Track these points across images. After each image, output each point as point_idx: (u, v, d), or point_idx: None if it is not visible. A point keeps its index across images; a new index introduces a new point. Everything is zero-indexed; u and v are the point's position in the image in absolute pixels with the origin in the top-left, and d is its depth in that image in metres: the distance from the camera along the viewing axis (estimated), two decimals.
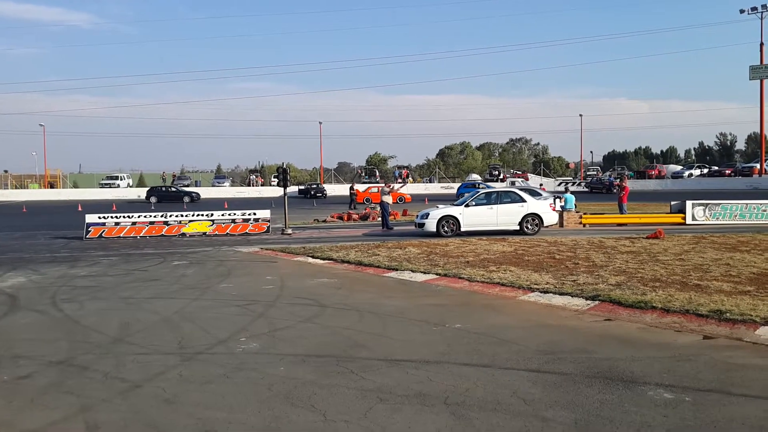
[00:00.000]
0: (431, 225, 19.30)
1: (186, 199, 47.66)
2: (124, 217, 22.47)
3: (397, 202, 36.12)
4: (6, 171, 71.36)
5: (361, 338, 7.85)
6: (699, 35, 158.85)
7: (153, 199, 49.26)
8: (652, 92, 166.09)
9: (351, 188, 36.85)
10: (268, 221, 22.64)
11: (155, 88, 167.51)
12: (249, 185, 68.16)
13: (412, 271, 12.91)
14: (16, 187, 66.31)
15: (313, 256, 15.59)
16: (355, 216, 28.47)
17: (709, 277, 11.12)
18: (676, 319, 8.41)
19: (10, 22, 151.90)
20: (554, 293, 10.25)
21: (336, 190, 63.07)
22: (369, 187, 47.71)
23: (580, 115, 76.07)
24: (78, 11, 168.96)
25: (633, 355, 6.86)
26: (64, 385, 6.24)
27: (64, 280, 12.68)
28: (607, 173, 72.85)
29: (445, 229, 19.21)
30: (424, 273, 12.61)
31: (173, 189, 53.12)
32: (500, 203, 19.76)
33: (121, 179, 67.07)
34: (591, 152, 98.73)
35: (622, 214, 24.30)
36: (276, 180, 38.84)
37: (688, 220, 22.22)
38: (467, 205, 19.56)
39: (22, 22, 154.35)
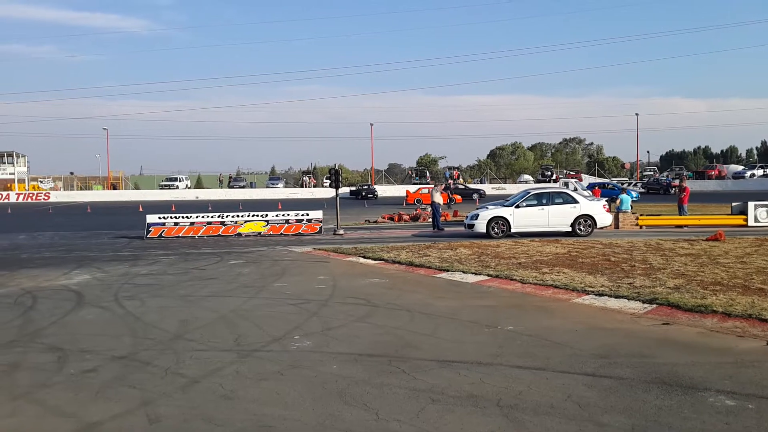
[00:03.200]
0: (481, 226, 19.16)
1: (474, 196, 47.59)
2: (183, 217, 23.13)
3: (447, 203, 35.99)
4: (72, 173, 74.61)
5: (413, 338, 7.88)
6: (759, 31, 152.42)
7: None
8: (709, 90, 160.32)
9: (446, 187, 37.57)
10: (321, 222, 22.92)
11: (209, 92, 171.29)
12: (302, 186, 69.03)
13: (463, 272, 12.86)
14: (81, 189, 69.07)
15: (364, 257, 15.71)
16: (405, 217, 28.52)
17: None
18: (738, 323, 8.13)
19: (70, 29, 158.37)
20: (610, 296, 10.05)
21: (387, 191, 63.22)
22: (419, 189, 47.69)
23: (636, 114, 73.96)
24: (134, 18, 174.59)
25: (693, 361, 6.67)
26: (126, 379, 6.49)
27: (126, 278, 13.16)
28: (665, 173, 70.71)
29: (495, 230, 19.03)
30: (476, 274, 12.55)
31: (461, 186, 53.46)
32: (552, 204, 19.41)
33: (179, 181, 68.87)
34: (648, 152, 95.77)
35: (682, 215, 23.58)
36: (328, 181, 39.11)
37: (750, 222, 21.38)
38: (518, 206, 19.31)
39: (82, 29, 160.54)
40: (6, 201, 58.76)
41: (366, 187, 59.43)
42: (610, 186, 47.36)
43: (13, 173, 64.74)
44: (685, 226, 21.76)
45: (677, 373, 6.25)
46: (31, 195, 61.70)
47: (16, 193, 61.46)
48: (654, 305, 9.31)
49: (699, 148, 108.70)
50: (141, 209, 36.25)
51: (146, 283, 12.56)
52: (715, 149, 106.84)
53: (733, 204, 23.58)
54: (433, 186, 25.84)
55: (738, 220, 21.70)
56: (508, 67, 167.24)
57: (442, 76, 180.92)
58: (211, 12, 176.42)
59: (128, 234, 23.62)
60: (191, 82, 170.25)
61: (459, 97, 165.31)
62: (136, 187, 72.69)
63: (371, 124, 76.65)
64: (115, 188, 69.49)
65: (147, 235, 22.08)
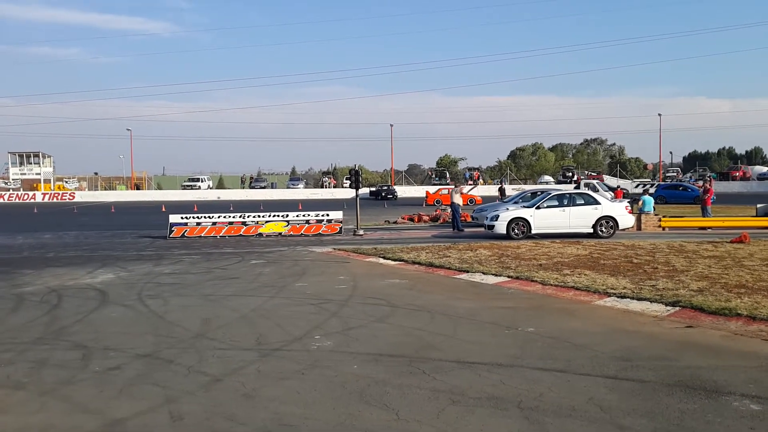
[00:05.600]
0: (501, 227, 19.05)
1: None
2: (205, 217, 23.36)
3: (467, 204, 35.90)
4: (96, 173, 75.65)
5: (433, 339, 7.89)
6: None
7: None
8: (734, 90, 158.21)
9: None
10: (341, 222, 22.98)
11: (231, 93, 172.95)
12: (322, 187, 69.29)
13: (483, 273, 12.83)
14: (105, 189, 70.06)
15: (384, 257, 15.73)
16: (425, 217, 28.50)
17: None
18: (763, 327, 8.02)
19: (95, 32, 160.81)
20: (632, 298, 9.96)
21: (406, 191, 63.23)
22: (439, 189, 47.65)
23: (659, 115, 73.19)
24: (157, 20, 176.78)
25: (716, 364, 6.60)
26: (150, 377, 6.58)
27: (149, 277, 13.32)
28: (688, 174, 69.81)
29: (516, 231, 18.92)
30: (496, 275, 12.51)
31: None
32: (573, 205, 19.28)
33: (201, 181, 69.55)
34: (671, 153, 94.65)
35: (705, 217, 23.29)
36: (348, 182, 39.24)
37: None
38: (538, 207, 19.19)
39: (106, 31, 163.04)
40: (32, 201, 59.84)
41: (386, 187, 59.51)
42: (682, 188, 42.25)
43: (39, 173, 65.83)
44: (709, 228, 21.49)
45: (701, 377, 6.18)
46: (56, 195, 62.71)
47: (42, 193, 62.56)
48: (677, 308, 9.21)
49: (723, 148, 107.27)
50: (164, 209, 36.64)
51: (169, 282, 12.70)
52: (740, 150, 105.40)
53: (758, 206, 23.24)
54: (453, 187, 25.81)
55: (763, 222, 21.38)
56: (529, 68, 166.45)
57: (462, 77, 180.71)
58: (232, 14, 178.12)
59: (151, 234, 23.89)
60: (213, 83, 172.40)
61: (479, 98, 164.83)
62: (159, 188, 73.49)
63: (391, 125, 76.88)
64: (138, 188, 70.36)
65: (170, 234, 22.30)
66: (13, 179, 65.34)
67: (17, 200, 60.65)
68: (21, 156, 66.10)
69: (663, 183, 50.25)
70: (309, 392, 5.98)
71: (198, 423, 5.32)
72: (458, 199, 23.39)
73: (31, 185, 65.46)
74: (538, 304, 10.02)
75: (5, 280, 13.27)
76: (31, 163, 66.03)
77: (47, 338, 8.30)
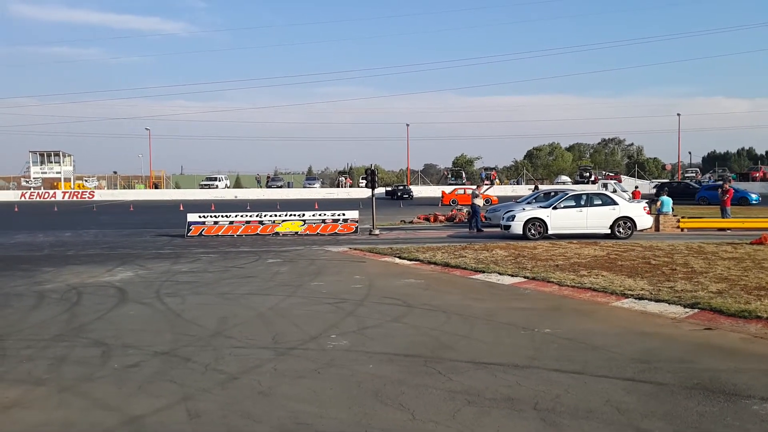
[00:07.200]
0: (517, 227, 18.97)
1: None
2: (222, 216, 23.52)
3: (483, 204, 35.79)
4: (115, 172, 76.43)
5: (448, 339, 7.88)
6: None
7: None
8: (752, 90, 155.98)
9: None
10: (357, 222, 23.02)
11: (248, 93, 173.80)
12: (338, 186, 69.41)
13: (500, 273, 12.78)
14: (124, 188, 70.80)
15: (400, 257, 15.73)
16: (441, 217, 28.47)
17: None
18: None
19: (113, 32, 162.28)
20: (650, 300, 9.87)
21: (422, 191, 63.18)
22: (455, 189, 47.59)
23: (678, 115, 72.41)
24: (173, 20, 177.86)
25: (736, 367, 6.52)
26: (168, 374, 6.64)
27: (167, 276, 13.44)
28: (707, 175, 68.99)
29: (532, 231, 18.82)
30: (512, 276, 12.46)
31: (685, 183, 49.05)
32: (590, 206, 19.13)
33: (219, 180, 70.00)
34: (689, 153, 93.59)
35: (725, 218, 23.01)
36: (364, 181, 39.33)
37: None
38: (555, 208, 19.07)
39: (124, 32, 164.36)
40: (52, 199, 60.65)
41: (402, 187, 59.49)
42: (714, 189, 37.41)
43: (60, 172, 66.63)
44: (728, 229, 21.22)
45: (720, 380, 6.11)
46: (76, 193, 63.49)
47: (63, 192, 63.36)
48: (696, 310, 9.12)
49: (742, 149, 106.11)
50: (182, 208, 36.92)
51: (187, 280, 12.81)
52: (760, 150, 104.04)
53: None
54: (474, 188, 25.81)
55: None
56: (546, 67, 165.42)
57: (478, 77, 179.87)
58: (247, 14, 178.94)
59: (169, 232, 24.09)
60: (230, 83, 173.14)
61: (496, 98, 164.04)
62: (177, 187, 74.02)
63: (407, 125, 77.11)
64: (156, 187, 70.94)
65: (187, 233, 22.48)
66: (34, 178, 66.23)
67: (38, 198, 61.50)
68: (42, 155, 66.94)
69: (706, 184, 49.33)
70: (325, 391, 6.01)
71: (215, 421, 5.36)
72: (479, 201, 23.42)
73: (51, 184, 66.30)
74: (555, 305, 9.97)
75: (26, 277, 13.46)
76: (51, 162, 66.85)
77: (67, 335, 8.40)
